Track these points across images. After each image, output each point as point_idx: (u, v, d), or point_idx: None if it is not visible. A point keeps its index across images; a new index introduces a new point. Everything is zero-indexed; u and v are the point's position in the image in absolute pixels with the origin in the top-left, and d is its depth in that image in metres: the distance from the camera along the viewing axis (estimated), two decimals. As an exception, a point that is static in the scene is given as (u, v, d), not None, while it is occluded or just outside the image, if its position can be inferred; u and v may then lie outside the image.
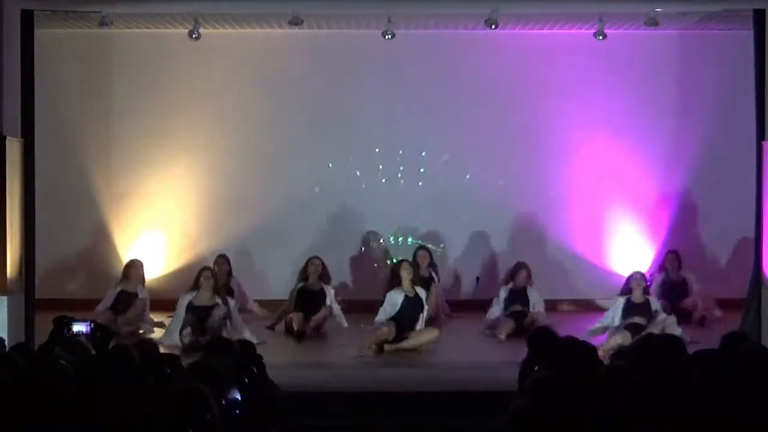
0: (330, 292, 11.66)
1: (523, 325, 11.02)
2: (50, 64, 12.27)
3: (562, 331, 9.22)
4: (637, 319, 10.47)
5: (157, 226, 13.36)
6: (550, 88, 13.26)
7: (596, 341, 10.17)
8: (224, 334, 10.19)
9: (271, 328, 11.58)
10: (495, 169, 13.33)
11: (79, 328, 7.28)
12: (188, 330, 10.43)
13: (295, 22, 11.39)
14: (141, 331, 11.31)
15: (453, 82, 13.28)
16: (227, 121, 13.39)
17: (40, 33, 10.75)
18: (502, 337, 10.96)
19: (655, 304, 10.75)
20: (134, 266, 11.90)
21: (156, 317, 11.80)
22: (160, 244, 13.34)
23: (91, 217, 13.31)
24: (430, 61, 13.30)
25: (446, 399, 8.61)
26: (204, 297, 10.79)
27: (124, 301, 11.58)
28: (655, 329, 10.12)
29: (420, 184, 13.45)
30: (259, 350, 7.12)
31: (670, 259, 12.50)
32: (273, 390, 6.68)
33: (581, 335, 8.48)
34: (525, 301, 11.59)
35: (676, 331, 9.99)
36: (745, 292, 10.67)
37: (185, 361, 6.12)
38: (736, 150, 12.14)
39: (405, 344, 10.40)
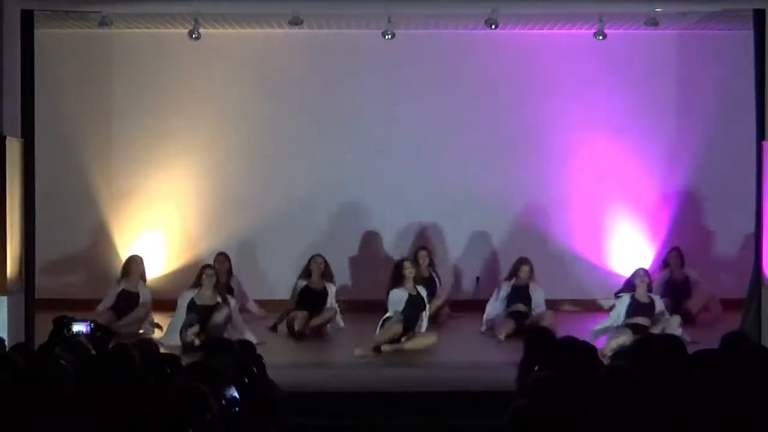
0: (332, 291, 11.66)
1: (523, 326, 10.98)
2: (50, 64, 12.26)
3: (563, 331, 9.26)
4: (641, 320, 10.47)
5: (157, 226, 13.36)
6: (550, 88, 13.26)
7: (599, 342, 10.22)
8: (225, 334, 10.20)
9: (273, 328, 11.55)
10: (495, 169, 13.32)
11: (79, 328, 7.29)
12: (196, 328, 10.37)
13: (295, 22, 11.39)
14: (141, 331, 11.30)
15: (453, 82, 13.27)
16: (227, 121, 13.39)
17: (40, 33, 10.75)
18: (502, 337, 10.95)
19: (660, 305, 10.73)
20: (134, 261, 11.89)
21: (156, 317, 11.78)
22: (160, 244, 13.34)
23: (91, 217, 13.31)
24: (430, 61, 13.29)
25: (446, 399, 8.61)
26: (206, 295, 10.80)
27: (126, 300, 11.57)
28: (656, 329, 10.13)
29: (420, 184, 13.43)
30: (259, 350, 7.13)
31: (673, 256, 12.49)
32: (273, 390, 6.68)
33: (582, 335, 8.50)
34: (527, 299, 11.56)
35: (677, 331, 9.99)
36: (745, 292, 10.67)
37: (185, 361, 6.12)
38: (736, 150, 12.14)
39: (403, 345, 10.39)
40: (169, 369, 5.84)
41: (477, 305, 12.24)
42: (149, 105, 13.31)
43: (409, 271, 10.64)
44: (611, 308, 11.01)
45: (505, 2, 10.89)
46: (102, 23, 11.32)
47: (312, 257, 11.81)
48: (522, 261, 11.76)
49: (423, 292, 10.80)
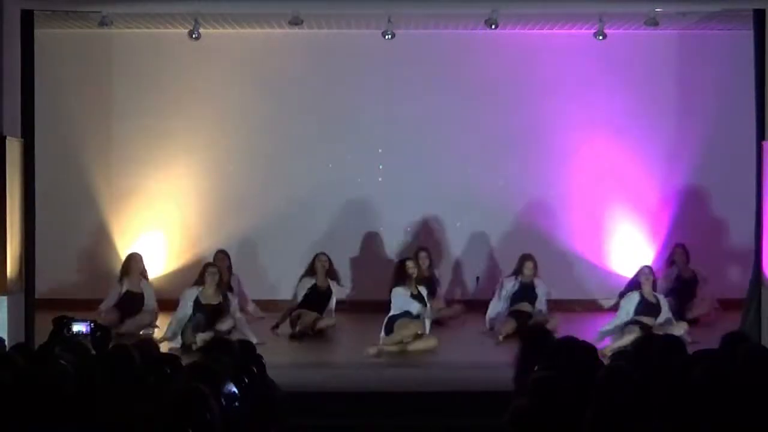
0: (335, 291, 11.65)
1: (525, 326, 10.96)
2: (50, 64, 12.27)
3: (564, 331, 9.27)
4: (647, 319, 10.47)
5: (157, 226, 13.36)
6: (550, 88, 13.27)
7: (605, 342, 10.22)
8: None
9: (276, 328, 11.48)
10: (495, 169, 13.33)
11: (79, 328, 7.28)
12: (206, 335, 10.26)
13: (295, 22, 11.39)
14: (141, 332, 11.29)
15: (453, 82, 13.27)
16: (227, 121, 13.40)
17: (40, 33, 10.75)
18: (501, 337, 10.91)
19: (665, 305, 10.71)
20: (134, 259, 11.87)
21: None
22: (160, 244, 13.34)
23: (91, 217, 13.31)
24: (430, 61, 13.29)
25: (446, 399, 8.61)
26: (209, 294, 10.80)
27: (130, 300, 11.56)
28: (659, 330, 10.13)
29: (420, 184, 13.44)
30: (259, 350, 7.12)
31: (679, 253, 12.48)
32: (273, 390, 6.67)
33: (583, 335, 8.50)
34: (533, 296, 11.55)
35: (678, 332, 9.97)
36: (745, 292, 10.68)
37: (185, 361, 6.12)
38: (736, 150, 12.14)
39: (393, 347, 10.39)
40: (169, 369, 5.84)
41: (477, 305, 12.24)
42: (149, 105, 13.32)
43: (411, 270, 10.65)
44: (612, 308, 11.00)
45: (505, 2, 10.89)
46: (102, 23, 11.32)
47: (316, 255, 11.78)
48: (525, 257, 11.71)
49: (424, 291, 10.81)
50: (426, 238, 13.41)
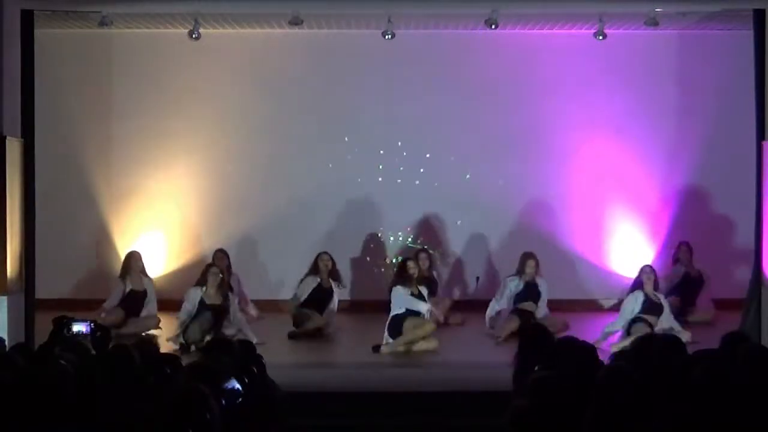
0: (337, 291, 11.65)
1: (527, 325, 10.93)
2: (50, 64, 12.27)
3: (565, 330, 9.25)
4: (650, 318, 10.47)
5: (157, 226, 13.37)
6: (550, 88, 13.27)
7: (609, 342, 10.21)
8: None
9: (294, 336, 11.32)
10: (495, 169, 13.33)
11: (79, 328, 7.27)
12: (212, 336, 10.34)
13: (295, 22, 11.39)
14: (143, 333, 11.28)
15: (453, 82, 13.28)
16: (227, 121, 13.40)
17: (40, 33, 10.75)
18: (501, 338, 10.89)
19: (666, 305, 10.72)
20: (134, 257, 11.86)
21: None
22: (160, 244, 13.34)
23: (91, 217, 13.31)
24: (430, 61, 13.30)
25: (446, 399, 8.60)
26: (211, 294, 10.79)
27: (134, 299, 11.56)
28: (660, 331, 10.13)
29: (420, 184, 13.45)
30: (259, 350, 7.12)
31: (684, 251, 12.50)
32: (273, 390, 6.67)
33: (582, 335, 8.50)
34: (536, 295, 11.54)
35: (679, 332, 9.98)
36: (745, 292, 10.68)
37: (185, 361, 6.12)
38: (736, 150, 12.15)
39: (401, 346, 10.40)
40: (169, 369, 5.84)
41: (477, 305, 12.24)
42: (149, 105, 13.32)
43: (412, 271, 10.66)
44: (613, 308, 10.99)
45: (505, 2, 10.89)
46: (102, 23, 11.33)
47: (319, 255, 11.75)
48: (527, 256, 11.69)
49: (424, 291, 10.81)
50: (426, 238, 13.41)
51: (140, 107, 13.31)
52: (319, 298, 11.49)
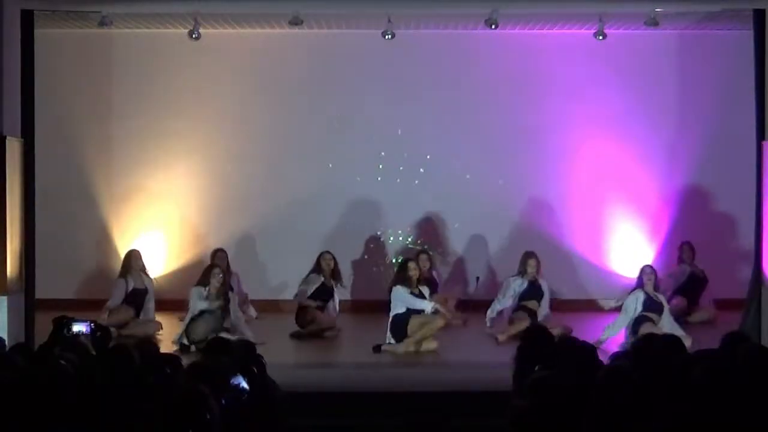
0: (338, 292, 11.65)
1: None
2: (50, 64, 12.27)
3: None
4: (653, 316, 10.48)
5: (157, 226, 13.37)
6: (550, 88, 13.27)
7: (612, 342, 10.20)
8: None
9: (298, 336, 11.37)
10: (495, 169, 13.33)
11: (79, 328, 7.27)
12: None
13: (295, 22, 11.40)
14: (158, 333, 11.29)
15: (453, 82, 13.28)
16: (227, 121, 13.40)
17: (40, 33, 10.75)
18: (503, 338, 10.88)
19: (667, 308, 10.73)
20: (134, 256, 11.83)
21: (157, 317, 11.75)
22: (160, 243, 13.34)
23: (91, 217, 13.31)
24: (430, 61, 13.30)
25: (446, 399, 8.60)
26: (212, 294, 10.78)
27: (137, 297, 11.54)
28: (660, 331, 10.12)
29: (420, 183, 13.45)
30: (259, 350, 7.12)
31: (686, 250, 12.51)
32: (273, 390, 6.67)
33: (582, 335, 8.49)
34: (540, 294, 11.54)
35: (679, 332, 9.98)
36: (745, 292, 10.68)
37: (185, 361, 6.12)
38: (736, 150, 12.15)
39: (402, 348, 10.40)
40: (169, 369, 5.84)
41: (477, 305, 12.24)
42: (149, 105, 13.32)
43: (413, 272, 10.65)
44: (614, 308, 10.99)
45: (505, 2, 10.89)
46: (102, 23, 11.33)
47: (321, 254, 11.75)
48: (528, 255, 11.66)
49: (426, 291, 10.81)
50: (426, 238, 13.41)
51: (140, 107, 13.31)
52: (324, 296, 11.51)
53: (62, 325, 7.29)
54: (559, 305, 12.08)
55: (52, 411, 5.02)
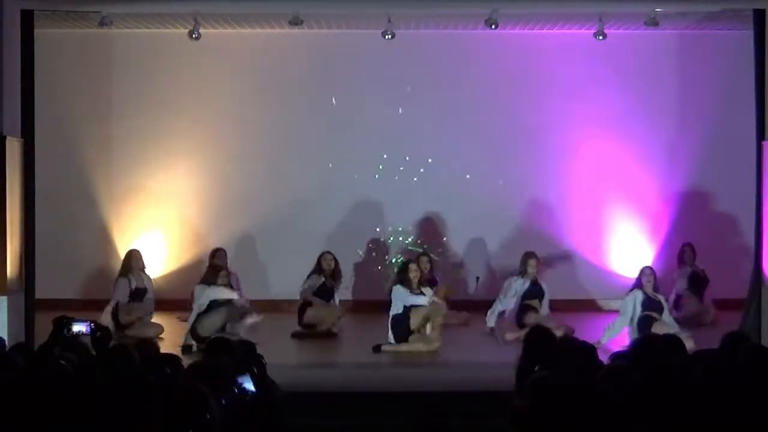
0: (338, 293, 11.66)
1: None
2: (50, 64, 12.27)
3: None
4: (655, 315, 10.48)
5: (157, 226, 13.37)
6: (550, 88, 13.28)
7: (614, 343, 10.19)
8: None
9: (299, 336, 11.40)
10: (495, 169, 13.33)
11: (79, 328, 7.26)
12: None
13: (295, 22, 11.39)
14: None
15: (453, 82, 13.28)
16: (227, 122, 13.40)
17: (40, 33, 10.75)
18: (510, 338, 10.87)
19: (666, 306, 10.74)
20: (134, 256, 11.82)
21: (156, 316, 11.75)
22: (160, 243, 13.34)
23: (91, 217, 13.31)
24: (430, 61, 13.30)
25: (446, 399, 8.60)
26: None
27: (140, 296, 11.54)
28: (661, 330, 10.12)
29: (420, 184, 13.44)
30: (259, 350, 7.12)
31: (688, 251, 12.51)
32: (273, 390, 6.67)
33: (582, 335, 8.49)
34: (541, 293, 11.54)
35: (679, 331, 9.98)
36: (745, 292, 10.68)
37: (185, 361, 6.12)
38: (736, 150, 12.15)
39: (404, 347, 10.41)
40: (169, 369, 5.84)
41: (477, 305, 12.23)
42: (149, 105, 13.32)
43: (414, 274, 10.66)
44: (614, 309, 10.98)
45: (505, 2, 10.89)
46: (102, 23, 11.32)
47: (322, 254, 11.77)
48: (528, 255, 11.66)
49: (428, 293, 10.80)
50: (426, 238, 13.41)
51: (140, 107, 13.32)
52: (323, 297, 11.52)
53: (62, 325, 7.28)
54: (559, 305, 12.06)
55: (52, 411, 5.01)
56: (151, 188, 13.38)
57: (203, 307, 10.54)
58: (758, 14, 10.41)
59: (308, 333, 11.30)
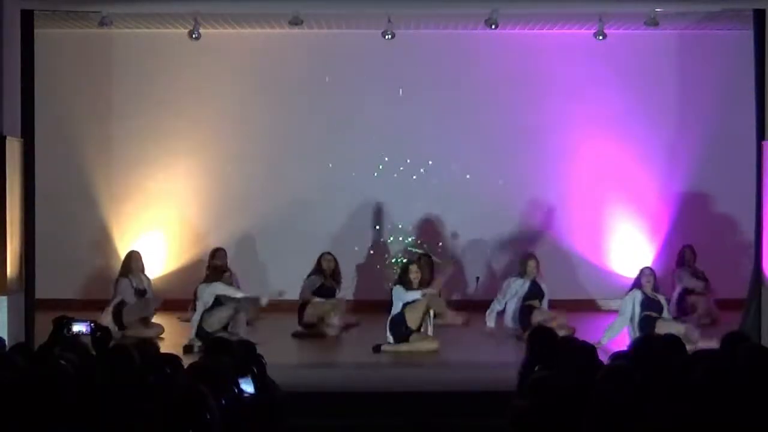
0: (338, 293, 11.67)
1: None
2: (50, 64, 12.27)
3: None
4: (655, 315, 10.48)
5: (157, 226, 13.37)
6: (550, 88, 13.27)
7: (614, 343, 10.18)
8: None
9: (300, 335, 11.43)
10: (495, 169, 13.33)
11: (79, 328, 7.27)
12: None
13: (295, 22, 11.39)
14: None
15: (453, 82, 13.28)
16: (227, 122, 13.40)
17: (40, 33, 10.75)
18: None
19: (666, 307, 10.74)
20: (134, 257, 11.81)
21: (156, 317, 11.75)
22: (160, 243, 13.34)
23: (91, 217, 13.31)
24: (430, 61, 13.30)
25: (446, 399, 8.60)
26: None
27: (141, 297, 11.55)
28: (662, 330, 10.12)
29: (420, 184, 13.44)
30: (259, 350, 7.12)
31: (688, 253, 12.51)
32: (273, 390, 6.67)
33: (582, 335, 8.50)
34: (541, 294, 11.55)
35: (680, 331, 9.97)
36: (745, 292, 10.68)
37: (185, 361, 6.12)
38: (736, 150, 12.14)
39: (404, 347, 10.41)
40: (169, 369, 5.84)
41: (477, 305, 12.23)
42: (149, 105, 13.32)
43: (414, 275, 10.67)
44: (613, 309, 10.98)
45: (505, 2, 10.89)
46: (102, 23, 11.32)
47: (322, 255, 11.79)
48: (528, 256, 11.67)
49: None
50: (426, 238, 13.40)
51: (140, 107, 13.31)
52: (325, 296, 11.53)
53: (62, 325, 7.29)
54: (559, 305, 12.05)
55: (52, 411, 5.02)
56: (151, 188, 13.38)
57: (209, 304, 10.55)
58: (758, 14, 10.41)
59: (308, 333, 11.32)
